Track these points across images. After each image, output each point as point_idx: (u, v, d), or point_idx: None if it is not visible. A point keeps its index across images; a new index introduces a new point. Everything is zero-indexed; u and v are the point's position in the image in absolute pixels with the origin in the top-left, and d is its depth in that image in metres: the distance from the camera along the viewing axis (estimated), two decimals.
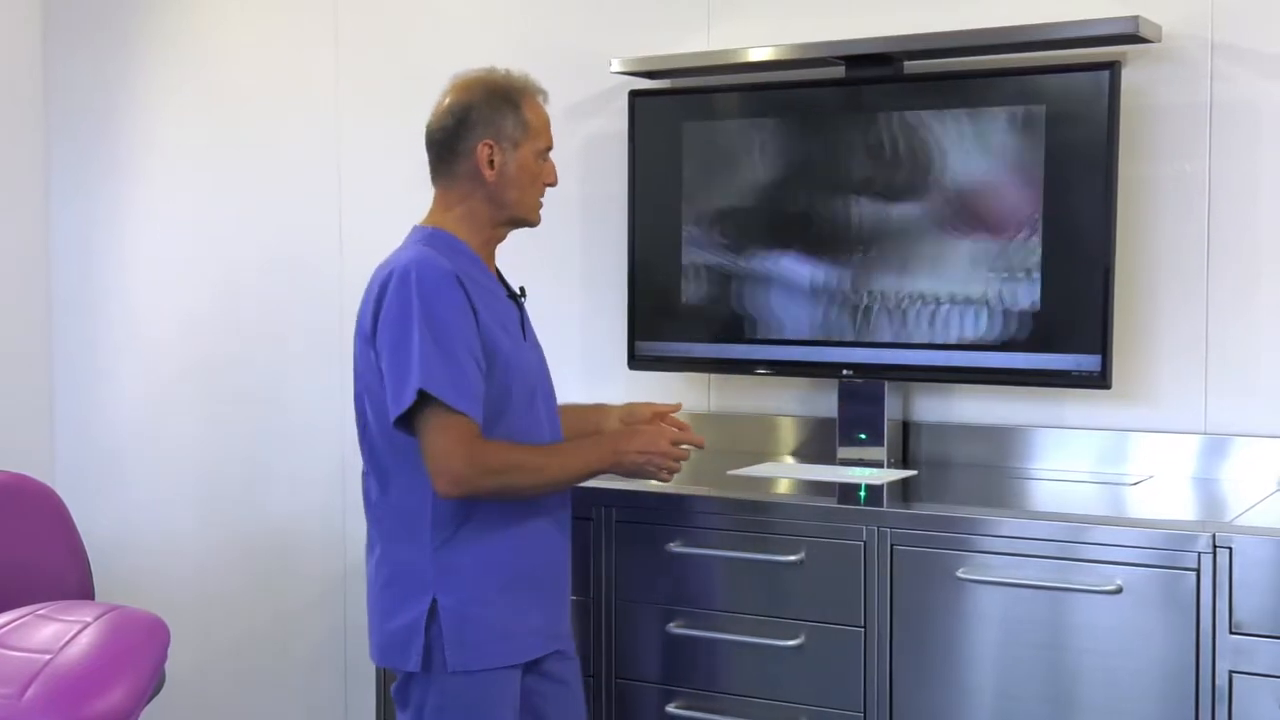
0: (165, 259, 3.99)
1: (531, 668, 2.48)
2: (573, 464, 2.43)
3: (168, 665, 2.80)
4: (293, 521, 3.81)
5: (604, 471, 2.46)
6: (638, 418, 2.62)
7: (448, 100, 2.46)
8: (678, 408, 2.67)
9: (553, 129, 2.52)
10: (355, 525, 3.64)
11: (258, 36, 3.83)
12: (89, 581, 3.18)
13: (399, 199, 3.61)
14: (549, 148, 2.49)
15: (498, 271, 2.53)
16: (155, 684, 2.74)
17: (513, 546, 2.42)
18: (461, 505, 2.37)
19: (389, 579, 2.42)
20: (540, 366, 2.54)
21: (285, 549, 3.82)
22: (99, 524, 3.84)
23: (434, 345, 2.30)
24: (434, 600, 2.37)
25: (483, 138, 2.42)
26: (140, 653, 2.67)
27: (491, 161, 2.42)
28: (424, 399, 2.30)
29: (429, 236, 2.45)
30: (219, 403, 3.91)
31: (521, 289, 2.54)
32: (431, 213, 2.50)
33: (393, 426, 2.34)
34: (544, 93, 2.49)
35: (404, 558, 2.40)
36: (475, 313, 2.36)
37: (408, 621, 2.38)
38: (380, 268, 2.44)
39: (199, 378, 3.95)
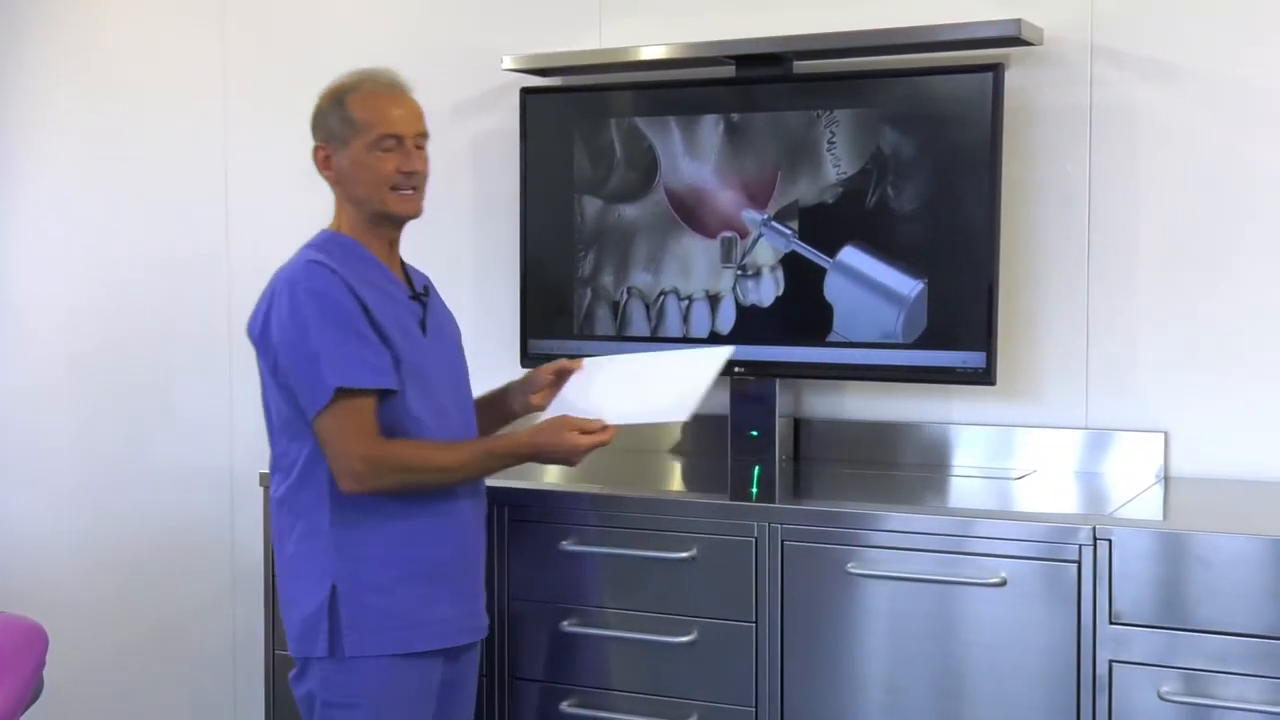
0: (48, 255, 3.89)
1: (454, 658, 2.48)
2: (476, 463, 2.44)
3: (46, 672, 2.73)
4: (179, 523, 3.74)
5: (515, 465, 2.48)
6: (539, 383, 2.63)
7: None
8: (578, 365, 2.65)
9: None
10: (244, 526, 3.58)
11: (143, 31, 3.75)
12: None
13: (286, 196, 3.59)
14: (386, 135, 2.40)
15: (404, 272, 2.52)
16: (33, 691, 2.68)
17: (415, 537, 2.42)
18: (363, 497, 2.38)
19: (297, 570, 2.42)
20: (445, 360, 2.53)
21: (171, 551, 3.75)
22: None
23: (335, 332, 2.32)
24: (333, 587, 2.37)
25: (317, 141, 2.46)
26: (16, 659, 2.61)
27: (328, 162, 2.45)
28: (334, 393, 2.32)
29: (325, 240, 2.46)
30: (102, 402, 3.83)
31: (426, 288, 2.54)
32: (333, 216, 2.52)
33: (311, 425, 2.35)
34: (384, 83, 2.44)
35: (307, 548, 2.41)
36: (366, 309, 2.36)
37: (313, 609, 2.38)
38: (276, 273, 2.43)
39: (82, 376, 3.86)
